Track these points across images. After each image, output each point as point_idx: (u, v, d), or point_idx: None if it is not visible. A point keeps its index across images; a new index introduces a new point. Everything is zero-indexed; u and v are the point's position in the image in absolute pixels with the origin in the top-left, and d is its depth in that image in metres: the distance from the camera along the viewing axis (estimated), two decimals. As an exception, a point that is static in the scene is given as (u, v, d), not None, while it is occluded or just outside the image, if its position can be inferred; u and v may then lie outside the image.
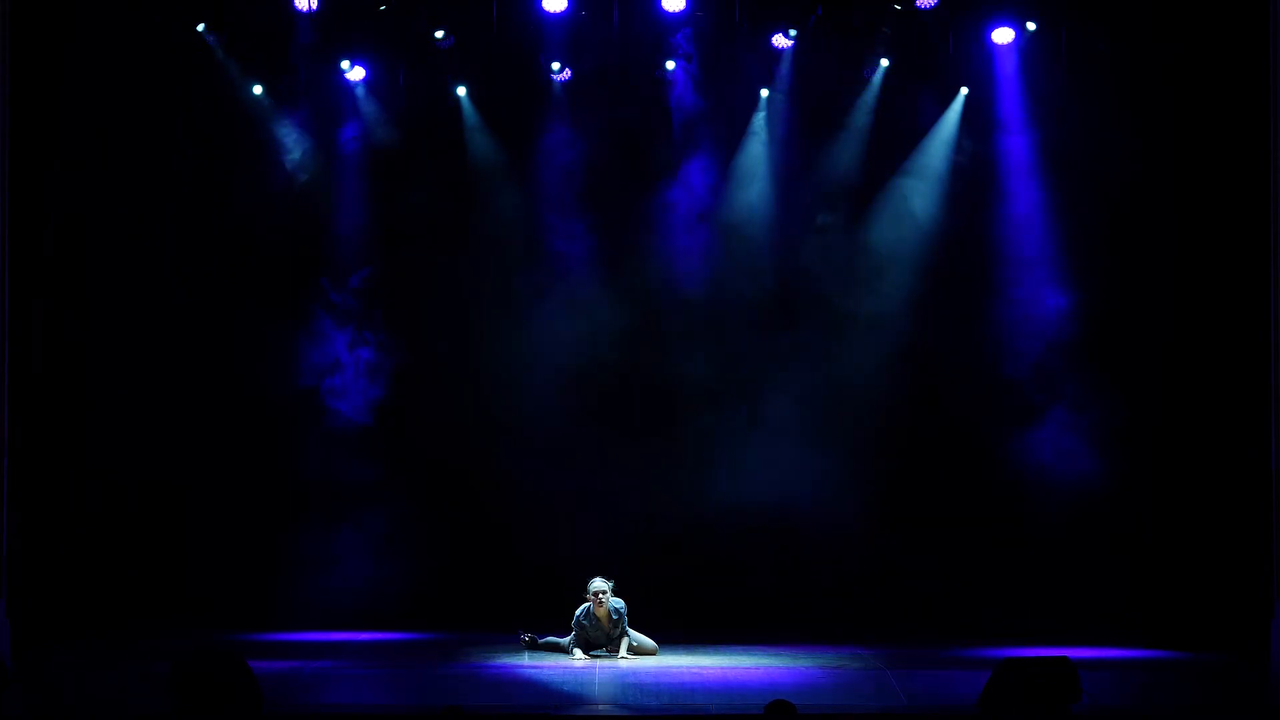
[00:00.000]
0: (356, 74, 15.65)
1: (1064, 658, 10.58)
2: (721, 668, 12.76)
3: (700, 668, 12.78)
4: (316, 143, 15.84)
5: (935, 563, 15.48)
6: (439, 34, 15.25)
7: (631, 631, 13.30)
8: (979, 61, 15.64)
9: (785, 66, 15.78)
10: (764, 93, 15.97)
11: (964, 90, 15.83)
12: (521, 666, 12.77)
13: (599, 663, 12.94)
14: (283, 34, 15.32)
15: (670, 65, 15.60)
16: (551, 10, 15.08)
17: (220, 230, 15.66)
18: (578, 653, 13.19)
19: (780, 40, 15.58)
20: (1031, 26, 15.32)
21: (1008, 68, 15.60)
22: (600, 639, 13.31)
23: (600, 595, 13.18)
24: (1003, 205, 15.82)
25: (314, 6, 15.01)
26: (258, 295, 15.75)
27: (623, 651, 13.14)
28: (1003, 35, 15.39)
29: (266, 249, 15.79)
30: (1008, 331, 15.77)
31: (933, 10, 15.11)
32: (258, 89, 15.64)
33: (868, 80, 15.81)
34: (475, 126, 15.98)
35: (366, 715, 11.04)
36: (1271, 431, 12.72)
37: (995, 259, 15.83)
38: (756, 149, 16.03)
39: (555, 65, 15.65)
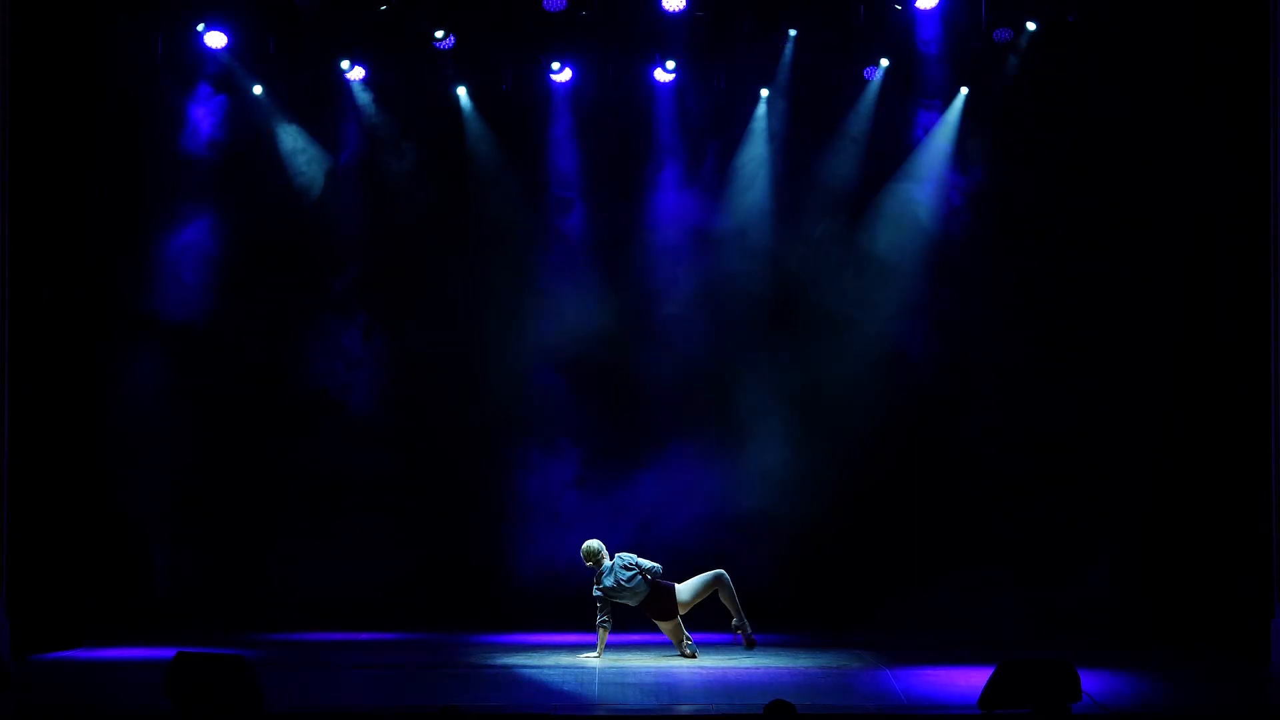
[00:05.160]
0: (356, 74, 15.66)
1: (1063, 658, 10.58)
2: (722, 668, 12.76)
3: (700, 668, 12.78)
4: (317, 143, 15.85)
5: (934, 563, 15.49)
6: (439, 34, 15.25)
7: (602, 631, 13.28)
8: (979, 61, 15.63)
9: (785, 67, 15.78)
10: (764, 93, 15.97)
11: (964, 90, 15.83)
12: (521, 666, 12.77)
13: (599, 663, 12.94)
14: (283, 34, 15.34)
15: (670, 65, 15.60)
16: (552, 10, 15.08)
17: (222, 229, 15.65)
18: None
19: (779, 41, 15.58)
20: (1031, 26, 15.32)
21: (1008, 68, 15.59)
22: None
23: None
24: (1003, 207, 15.81)
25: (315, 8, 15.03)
26: (258, 295, 15.77)
27: (598, 650, 13.17)
28: (1003, 35, 15.39)
29: (267, 248, 15.80)
30: (1007, 333, 15.78)
31: (933, 10, 15.13)
32: (258, 89, 15.65)
33: (867, 81, 15.81)
34: (475, 126, 15.98)
35: (366, 715, 11.04)
36: (1272, 432, 12.73)
37: (994, 260, 15.83)
38: (756, 149, 16.03)
39: (555, 65, 15.65)
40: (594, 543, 13.34)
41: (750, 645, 13.42)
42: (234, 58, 15.43)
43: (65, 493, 14.20)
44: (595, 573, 13.27)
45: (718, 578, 13.42)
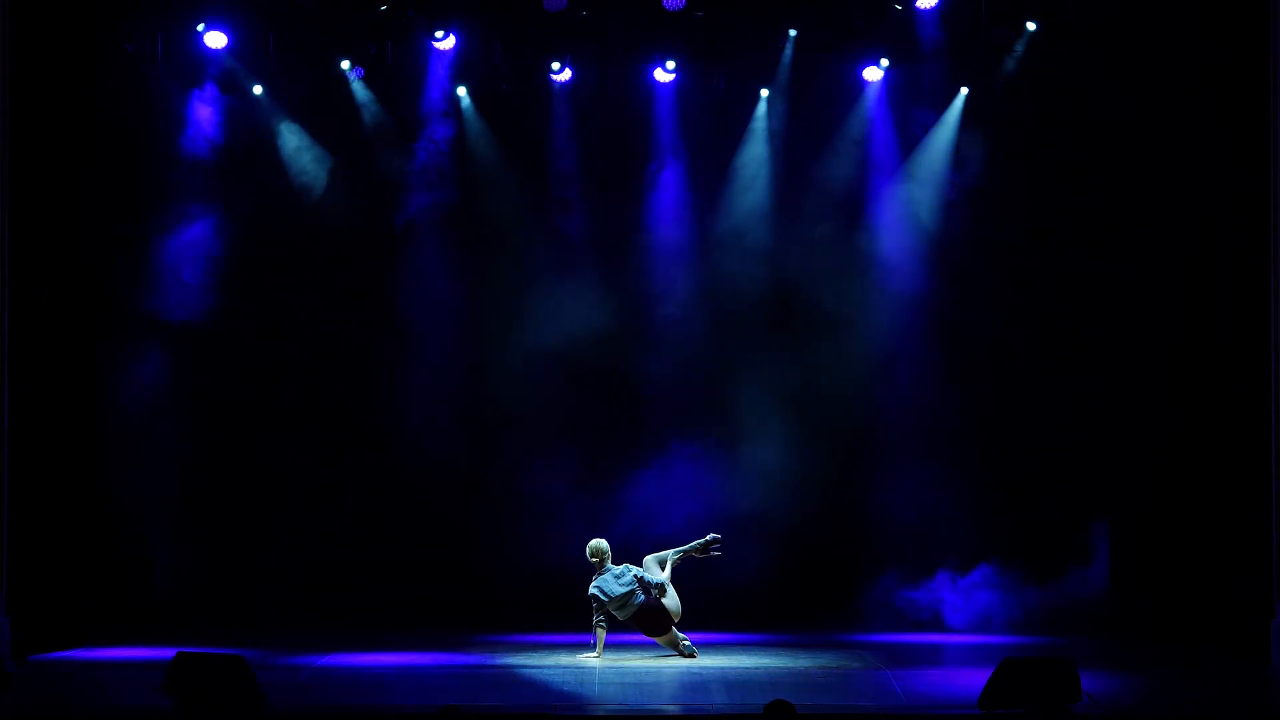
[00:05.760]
0: (357, 73, 15.67)
1: (1064, 658, 10.58)
2: (721, 668, 12.76)
3: (700, 668, 12.78)
4: (318, 142, 15.86)
5: (934, 563, 15.49)
6: (439, 34, 15.26)
7: (600, 631, 13.28)
8: (979, 61, 15.63)
9: (785, 67, 15.78)
10: (764, 93, 15.97)
11: (964, 90, 15.83)
12: (521, 666, 12.77)
13: (599, 662, 12.94)
14: (283, 34, 15.34)
15: (670, 65, 15.60)
16: (552, 10, 15.08)
17: (222, 229, 15.64)
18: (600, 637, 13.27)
19: (780, 41, 15.58)
20: (1031, 26, 15.33)
21: (1008, 68, 15.59)
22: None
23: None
24: (1003, 207, 15.81)
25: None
26: (258, 295, 15.78)
27: (597, 650, 13.17)
28: (1002, 35, 15.39)
29: (267, 248, 15.82)
30: (1007, 333, 15.78)
31: (933, 10, 15.13)
32: (258, 89, 15.65)
33: (867, 81, 15.81)
34: (475, 126, 15.99)
35: (366, 715, 11.04)
36: (1272, 432, 12.73)
37: (994, 260, 15.84)
38: (756, 149, 16.04)
39: (555, 65, 15.65)
40: (601, 543, 13.30)
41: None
42: (234, 58, 15.43)
43: (65, 493, 14.20)
44: (596, 571, 13.26)
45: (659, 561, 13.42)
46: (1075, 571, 15.34)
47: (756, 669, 12.65)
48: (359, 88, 15.77)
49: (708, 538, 13.53)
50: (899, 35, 15.43)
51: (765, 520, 15.61)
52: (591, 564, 13.28)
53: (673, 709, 11.19)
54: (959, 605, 15.33)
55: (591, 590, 13.20)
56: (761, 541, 15.61)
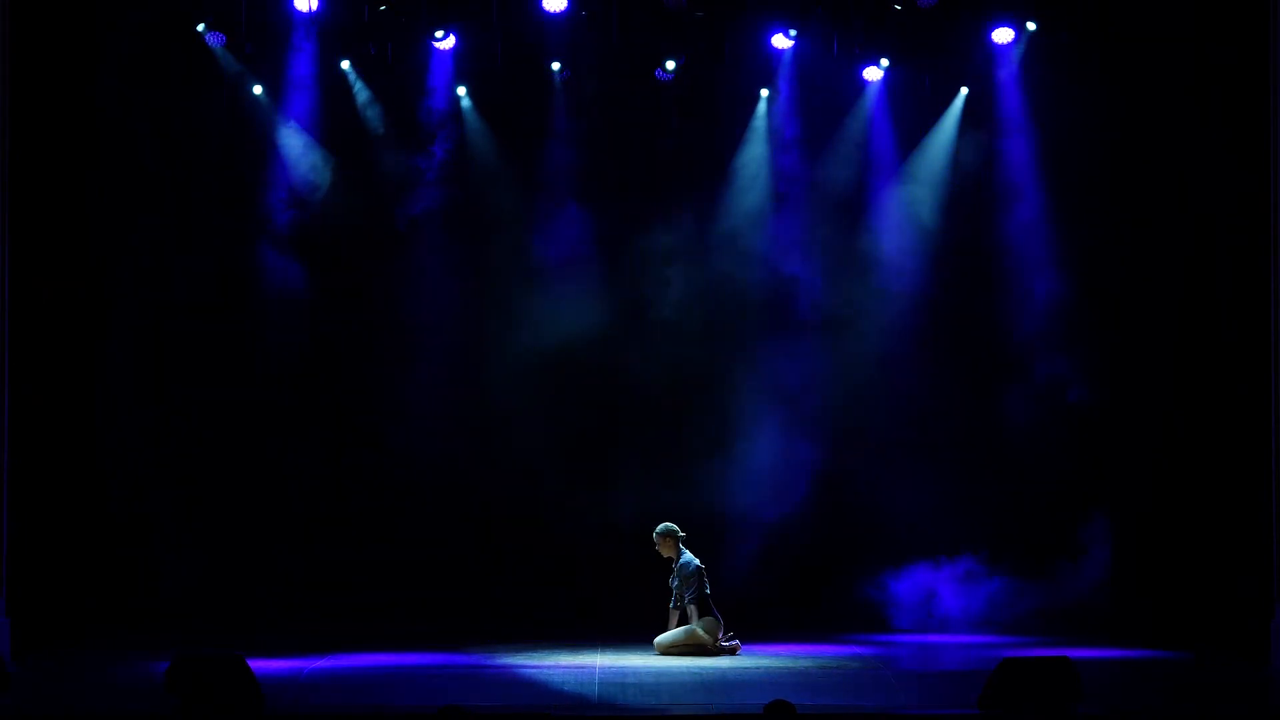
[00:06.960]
0: (357, 73, 15.68)
1: (1064, 657, 10.58)
2: (721, 668, 12.76)
3: (700, 668, 12.78)
4: (318, 142, 15.86)
5: (933, 563, 15.49)
6: (439, 34, 15.27)
7: (694, 610, 13.38)
8: (979, 61, 15.64)
9: (785, 66, 15.79)
10: (764, 93, 15.98)
11: (964, 90, 15.83)
12: (521, 666, 12.77)
13: (599, 663, 12.93)
14: (283, 34, 15.35)
15: (671, 65, 15.60)
16: (551, 10, 15.09)
17: (222, 229, 15.65)
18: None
19: (780, 40, 15.59)
20: (1031, 26, 15.33)
21: (1008, 67, 15.60)
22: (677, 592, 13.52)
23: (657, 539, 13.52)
24: (1004, 207, 15.82)
25: (314, 8, 15.04)
26: (257, 295, 15.78)
27: (673, 627, 13.37)
28: (1003, 35, 15.40)
29: (267, 248, 15.81)
30: (1006, 333, 15.79)
31: (933, 10, 15.12)
32: (258, 89, 15.65)
33: (867, 80, 15.81)
34: (475, 126, 15.99)
35: (366, 715, 11.04)
36: (1272, 432, 12.73)
37: (995, 261, 15.84)
38: (756, 149, 16.04)
39: (555, 65, 15.66)
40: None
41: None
42: (234, 57, 15.43)
43: (65, 493, 14.20)
44: (673, 556, 13.49)
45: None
46: (1075, 571, 15.34)
47: (756, 669, 12.66)
48: (359, 87, 15.77)
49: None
50: (899, 35, 15.43)
51: (764, 520, 15.61)
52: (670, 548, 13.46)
53: (673, 709, 11.19)
54: (959, 605, 15.33)
55: (696, 564, 13.38)
56: (760, 541, 15.62)
